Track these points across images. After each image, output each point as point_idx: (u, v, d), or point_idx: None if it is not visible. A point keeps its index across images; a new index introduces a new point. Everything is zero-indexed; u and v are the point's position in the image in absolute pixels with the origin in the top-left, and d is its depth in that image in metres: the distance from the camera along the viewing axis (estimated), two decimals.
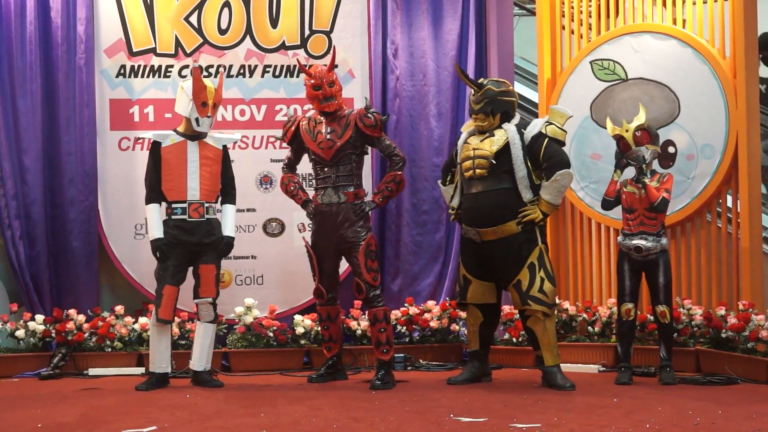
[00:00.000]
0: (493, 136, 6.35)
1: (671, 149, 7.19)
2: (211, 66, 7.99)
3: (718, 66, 7.03)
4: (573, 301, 7.56)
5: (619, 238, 6.61)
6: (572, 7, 7.78)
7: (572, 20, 7.78)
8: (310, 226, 6.92)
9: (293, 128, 6.85)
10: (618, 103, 7.48)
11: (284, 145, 7.13)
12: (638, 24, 7.53)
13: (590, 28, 7.74)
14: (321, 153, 6.67)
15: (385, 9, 8.22)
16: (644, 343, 6.78)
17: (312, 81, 6.67)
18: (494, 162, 6.26)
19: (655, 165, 6.59)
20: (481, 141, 6.38)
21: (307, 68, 6.83)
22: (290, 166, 7.03)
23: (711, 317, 6.71)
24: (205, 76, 7.09)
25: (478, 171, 6.32)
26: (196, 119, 6.65)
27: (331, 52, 7.14)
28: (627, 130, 6.44)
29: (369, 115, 6.68)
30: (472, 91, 6.50)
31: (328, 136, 6.65)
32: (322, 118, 6.75)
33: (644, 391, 6.08)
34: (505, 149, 6.27)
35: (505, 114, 6.41)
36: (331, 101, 6.66)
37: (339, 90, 6.76)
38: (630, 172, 6.54)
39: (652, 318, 6.70)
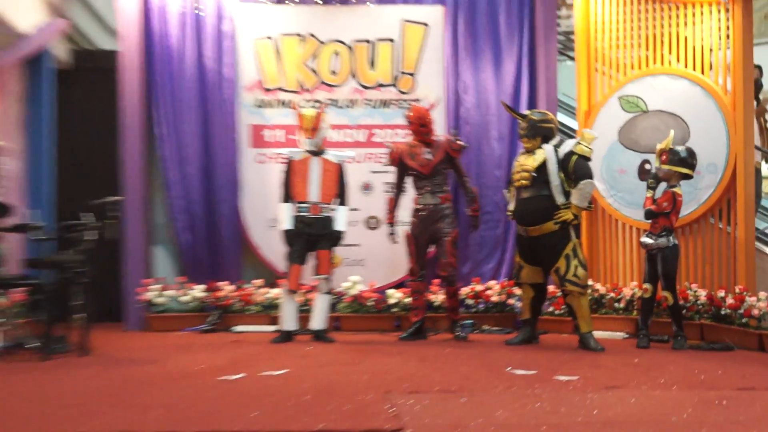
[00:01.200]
0: (535, 154, 6.40)
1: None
2: (320, 100, 8.05)
3: (721, 101, 6.94)
4: (603, 283, 7.51)
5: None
6: (603, 55, 7.74)
7: (603, 65, 7.74)
8: (411, 220, 7.03)
9: (397, 156, 7.02)
10: (640, 130, 7.41)
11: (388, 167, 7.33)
12: (657, 68, 7.46)
13: (618, 71, 7.71)
14: (420, 169, 6.90)
15: (457, 55, 8.23)
16: (659, 317, 6.73)
17: (416, 119, 6.94)
18: (535, 175, 6.32)
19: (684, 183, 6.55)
20: (526, 158, 6.45)
21: (410, 109, 7.13)
22: (397, 188, 7.15)
23: (713, 298, 6.64)
24: (312, 106, 7.28)
25: (522, 181, 6.40)
26: (303, 140, 6.86)
27: (429, 105, 7.32)
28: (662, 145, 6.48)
29: (456, 143, 6.95)
30: (519, 120, 6.61)
31: (426, 157, 6.88)
32: (420, 143, 6.94)
33: (659, 353, 6.07)
34: (544, 164, 6.32)
35: (545, 137, 6.45)
36: (429, 135, 6.94)
37: (433, 124, 7.02)
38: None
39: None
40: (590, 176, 6.30)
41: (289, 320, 6.75)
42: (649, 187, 6.49)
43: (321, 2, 8.16)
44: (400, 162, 7.01)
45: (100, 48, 8.51)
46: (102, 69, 8.16)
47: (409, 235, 6.98)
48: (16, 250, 6.80)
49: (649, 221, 6.48)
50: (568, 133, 8.37)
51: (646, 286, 6.49)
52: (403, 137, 7.80)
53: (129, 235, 7.76)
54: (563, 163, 6.29)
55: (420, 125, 6.94)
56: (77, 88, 8.23)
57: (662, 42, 7.47)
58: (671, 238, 6.37)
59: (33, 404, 4.13)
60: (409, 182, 7.10)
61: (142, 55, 7.93)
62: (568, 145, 6.41)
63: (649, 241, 6.42)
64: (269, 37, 8.13)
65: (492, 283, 7.87)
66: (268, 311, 7.63)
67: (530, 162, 6.39)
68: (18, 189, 7.13)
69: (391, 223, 7.13)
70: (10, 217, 6.09)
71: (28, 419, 3.79)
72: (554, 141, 6.48)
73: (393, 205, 7.14)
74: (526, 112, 6.89)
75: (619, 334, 7.06)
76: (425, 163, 6.90)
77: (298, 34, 8.15)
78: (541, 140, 6.44)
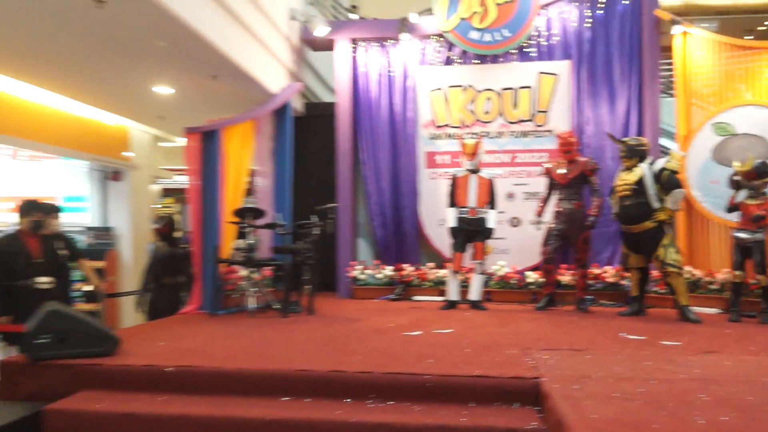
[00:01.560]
0: (633, 171, 6.05)
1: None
2: (479, 133, 7.92)
3: None
4: (699, 269, 6.89)
5: (733, 230, 6.03)
6: (698, 91, 7.11)
7: (698, 99, 7.12)
8: (552, 219, 6.68)
9: (548, 169, 6.75)
10: (730, 149, 6.72)
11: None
12: (744, 100, 6.78)
13: (710, 104, 7.05)
14: (560, 180, 6.59)
15: (580, 96, 7.81)
16: (747, 296, 6.08)
17: (562, 143, 6.65)
18: (636, 187, 5.98)
19: None
20: (627, 174, 6.10)
21: (559, 135, 6.81)
22: (547, 192, 6.80)
23: None
24: (471, 137, 7.17)
25: (625, 192, 6.04)
26: (465, 162, 6.74)
27: (567, 132, 6.94)
28: (743, 167, 5.91)
29: (592, 164, 6.62)
30: (620, 145, 6.25)
31: (565, 171, 6.57)
32: (564, 161, 6.64)
33: (749, 327, 5.49)
34: (641, 179, 5.97)
35: (641, 157, 6.10)
36: (571, 154, 6.62)
37: (574, 146, 6.69)
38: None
39: (753, 281, 6.01)
40: (680, 186, 5.90)
41: (453, 293, 6.68)
42: (733, 188, 6.03)
43: (479, 62, 8.03)
44: (549, 174, 6.75)
45: (323, 101, 8.80)
46: (324, 115, 8.40)
47: (549, 229, 6.67)
48: (267, 241, 7.17)
49: (733, 218, 6.02)
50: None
51: (736, 273, 5.89)
52: (539, 158, 7.61)
53: (341, 230, 7.93)
54: (657, 176, 5.93)
55: (564, 146, 6.64)
56: (307, 129, 8.49)
57: (746, 79, 6.79)
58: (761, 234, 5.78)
59: (277, 347, 4.31)
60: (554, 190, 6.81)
61: (351, 104, 8.11)
62: (660, 162, 6.04)
63: (745, 236, 5.80)
64: (439, 89, 8.09)
65: (608, 267, 7.39)
66: (438, 286, 7.56)
67: (631, 177, 6.05)
68: (267, 199, 7.45)
69: (539, 215, 6.79)
70: (263, 218, 6.37)
71: (275, 356, 3.94)
72: (648, 160, 6.12)
73: (543, 203, 6.81)
74: (624, 138, 6.46)
75: (713, 310, 6.43)
76: (564, 176, 6.58)
77: (461, 86, 8.05)
78: (637, 160, 6.09)
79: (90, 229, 9.08)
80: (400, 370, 3.47)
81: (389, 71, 8.18)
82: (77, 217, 9.70)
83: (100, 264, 8.54)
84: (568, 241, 6.66)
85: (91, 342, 3.81)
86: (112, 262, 8.90)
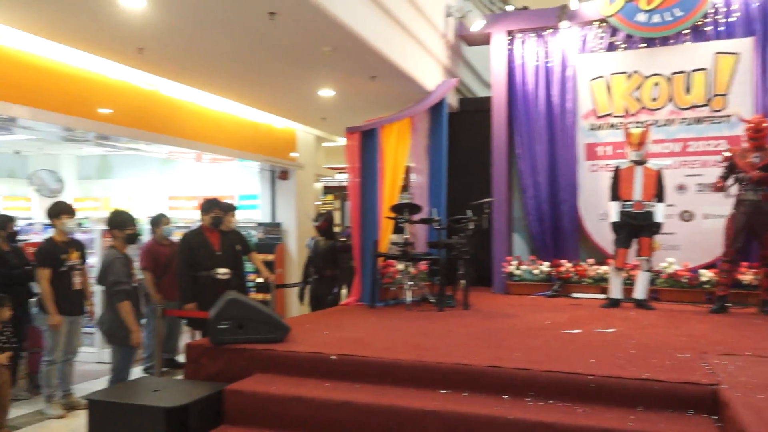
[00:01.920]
0: None
1: None
2: (646, 121, 7.43)
3: None
4: None
5: None
6: None
7: None
8: (733, 212, 6.05)
9: (730, 156, 6.12)
10: None
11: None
12: None
13: None
14: (746, 169, 5.93)
15: (766, 75, 7.03)
16: None
17: (752, 127, 6.00)
18: None
19: None
20: None
21: (749, 119, 6.17)
22: (723, 178, 6.13)
23: None
24: (637, 126, 6.70)
25: None
26: (630, 153, 6.34)
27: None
28: None
29: None
30: None
31: (753, 159, 5.92)
32: (752, 148, 5.99)
33: None
34: None
35: None
36: (761, 140, 5.96)
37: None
38: None
39: None
40: None
41: (616, 290, 6.36)
42: None
43: (645, 46, 7.52)
44: (731, 161, 6.11)
45: (478, 96, 8.75)
46: (479, 110, 8.36)
47: (729, 222, 6.05)
48: (422, 235, 7.27)
49: None
50: None
51: None
52: (715, 146, 7.03)
53: (496, 225, 7.84)
54: None
55: (755, 131, 5.97)
56: (462, 124, 8.48)
57: None
58: None
59: (434, 340, 4.35)
60: (733, 178, 6.11)
61: (506, 98, 8.01)
62: None
63: None
64: (601, 77, 7.71)
65: None
66: (598, 283, 7.23)
67: None
68: (423, 195, 7.55)
69: (721, 187, 6.12)
70: (419, 214, 6.45)
71: (432, 349, 3.98)
72: None
73: (720, 183, 6.13)
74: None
75: None
76: (753, 165, 5.93)
77: (625, 72, 7.61)
78: None
79: (260, 224, 9.82)
80: (561, 369, 3.35)
81: (547, 62, 7.95)
82: (250, 214, 10.54)
83: (269, 257, 9.20)
84: (752, 236, 6.01)
85: (265, 329, 4.11)
86: (280, 256, 9.54)
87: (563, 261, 7.54)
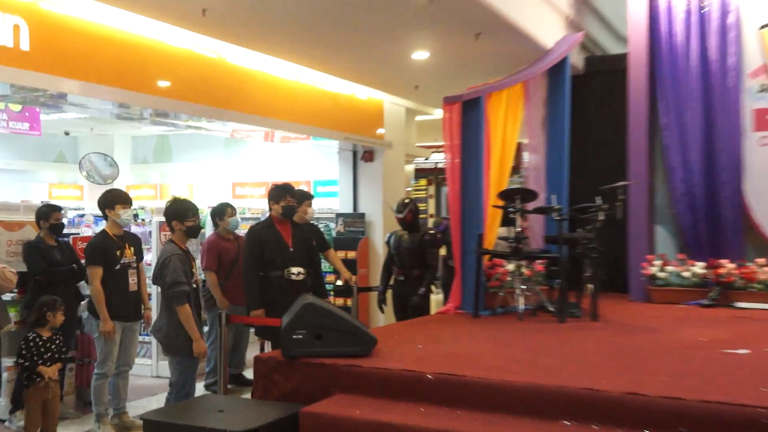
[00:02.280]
0: None
1: None
2: None
3: None
4: None
5: None
6: None
7: None
8: None
9: None
10: None
11: None
12: None
13: None
14: None
15: None
16: None
17: None
18: None
19: None
20: None
21: None
22: None
23: None
24: None
25: None
26: None
27: None
28: None
29: None
30: None
31: None
32: None
33: None
34: None
35: None
36: None
37: None
38: None
39: None
40: None
41: None
42: None
43: None
44: None
45: (610, 53, 8.56)
46: (612, 71, 8.21)
47: None
48: (538, 229, 7.15)
49: None
50: None
51: None
52: None
53: (633, 215, 7.63)
54: None
55: None
56: (590, 89, 8.34)
57: None
58: None
59: (554, 358, 4.29)
60: None
61: (648, 54, 7.80)
62: None
63: None
64: None
65: None
66: None
67: None
68: (538, 177, 7.49)
69: None
70: (534, 201, 6.34)
71: (553, 370, 3.92)
72: None
73: None
74: None
75: None
76: None
77: None
78: None
79: (340, 215, 9.95)
80: (722, 399, 3.19)
81: (701, 7, 7.73)
82: (328, 203, 10.72)
83: (351, 254, 9.32)
84: None
85: (347, 340, 4.15)
86: (364, 252, 9.66)
87: (723, 261, 7.23)
